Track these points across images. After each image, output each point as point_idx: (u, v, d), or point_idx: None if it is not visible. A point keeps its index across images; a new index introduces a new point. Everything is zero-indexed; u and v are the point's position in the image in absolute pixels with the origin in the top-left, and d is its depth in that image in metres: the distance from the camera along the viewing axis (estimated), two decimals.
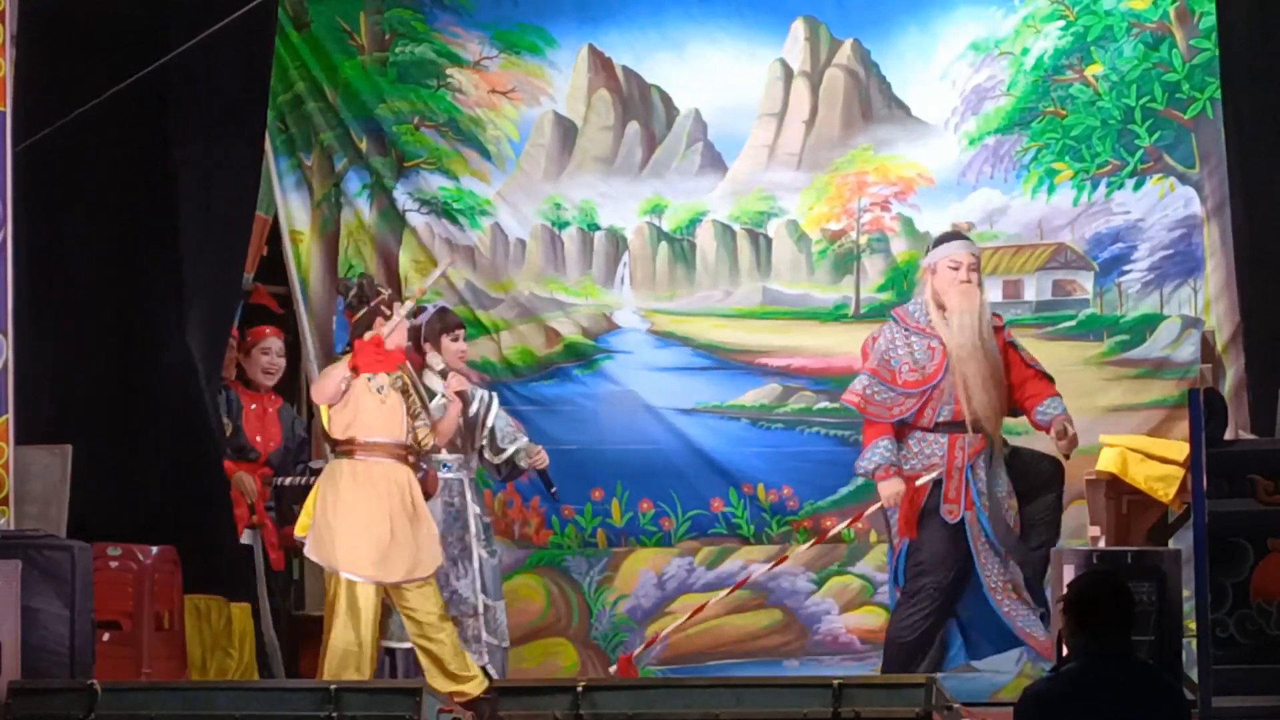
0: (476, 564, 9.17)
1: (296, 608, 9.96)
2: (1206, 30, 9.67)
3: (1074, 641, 5.78)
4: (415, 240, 10.50)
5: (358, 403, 8.64)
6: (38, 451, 8.44)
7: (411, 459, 8.75)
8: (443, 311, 9.47)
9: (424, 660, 8.68)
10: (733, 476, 10.16)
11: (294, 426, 9.93)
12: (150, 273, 9.14)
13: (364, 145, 10.49)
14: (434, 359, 9.24)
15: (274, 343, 9.86)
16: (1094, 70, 9.92)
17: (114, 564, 8.49)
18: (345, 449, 8.63)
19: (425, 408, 8.83)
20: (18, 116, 8.44)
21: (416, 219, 10.49)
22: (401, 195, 10.50)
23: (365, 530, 8.52)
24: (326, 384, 8.65)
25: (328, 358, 10.53)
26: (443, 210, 10.48)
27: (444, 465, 9.18)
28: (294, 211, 10.54)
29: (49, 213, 8.84)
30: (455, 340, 9.31)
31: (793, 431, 10.14)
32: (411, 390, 8.82)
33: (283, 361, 9.90)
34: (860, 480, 10.03)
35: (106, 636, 8.36)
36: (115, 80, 8.59)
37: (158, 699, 7.50)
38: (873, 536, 10.07)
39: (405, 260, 10.51)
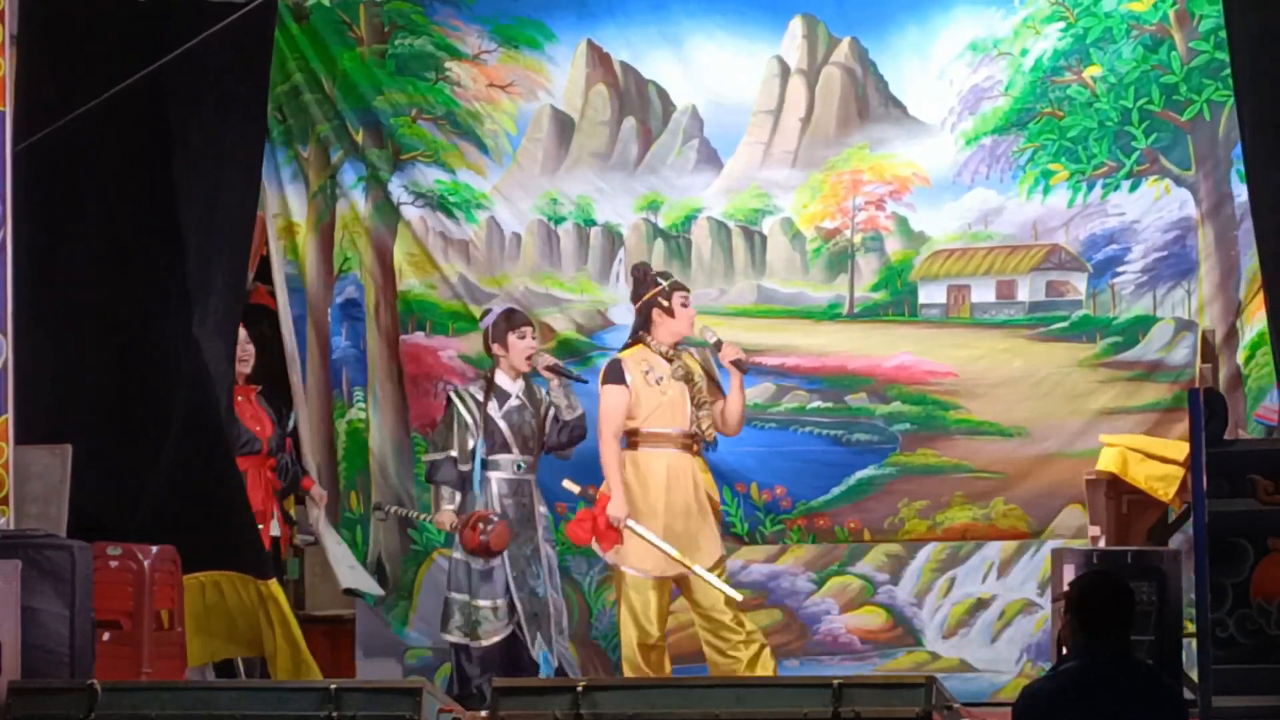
0: (546, 564, 9.41)
1: (298, 608, 9.97)
2: (1205, 33, 9.69)
3: (1074, 641, 5.81)
4: (410, 233, 10.49)
5: (637, 396, 8.86)
6: (38, 451, 8.42)
7: (696, 447, 8.94)
8: (509, 312, 9.62)
9: (707, 650, 9.03)
10: (726, 476, 10.11)
11: (281, 413, 9.98)
12: (151, 272, 9.09)
13: (360, 137, 10.48)
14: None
15: (240, 331, 9.87)
16: (1092, 72, 9.90)
17: (114, 564, 8.45)
18: (630, 441, 8.90)
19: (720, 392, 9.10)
20: (18, 116, 8.42)
21: (411, 212, 10.48)
22: (397, 188, 10.49)
23: (647, 524, 8.83)
24: (618, 417, 8.89)
25: (322, 351, 10.54)
26: (439, 204, 10.48)
27: (518, 465, 9.39)
28: (291, 203, 10.54)
29: (49, 213, 8.81)
30: (523, 338, 9.49)
31: (786, 431, 10.12)
32: (697, 379, 8.92)
33: (252, 348, 9.90)
34: (854, 479, 10.07)
35: (106, 636, 8.32)
36: (115, 80, 8.56)
37: (158, 699, 7.47)
38: (865, 534, 10.09)
39: (399, 253, 10.50)
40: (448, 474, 9.54)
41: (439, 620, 9.61)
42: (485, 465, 9.42)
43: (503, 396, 9.51)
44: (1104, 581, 5.90)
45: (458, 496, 9.53)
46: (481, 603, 9.35)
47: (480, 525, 9.31)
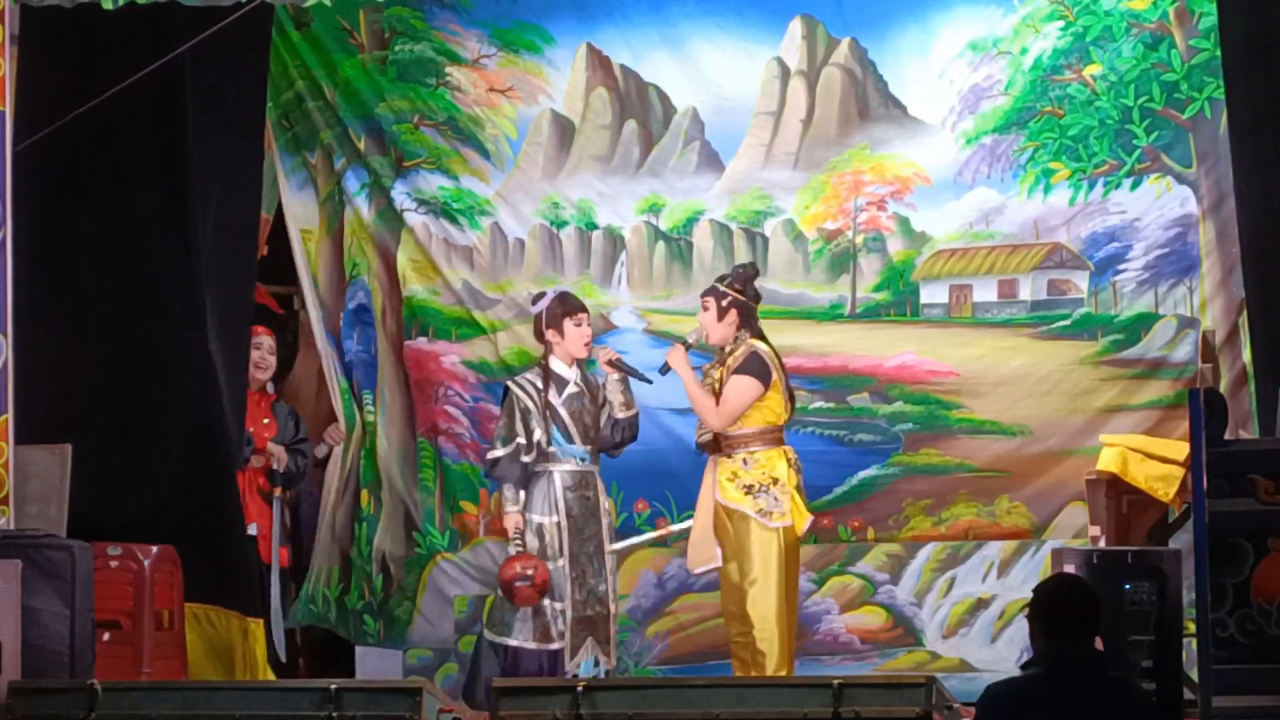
0: (609, 564, 9.09)
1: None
2: (1205, 30, 9.68)
3: (1036, 646, 5.69)
4: (413, 240, 10.49)
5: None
6: (38, 451, 8.45)
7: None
8: (563, 296, 9.34)
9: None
10: None
11: (288, 421, 9.99)
12: (150, 272, 9.13)
13: (362, 144, 10.48)
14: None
15: (264, 340, 9.91)
16: (1092, 70, 9.91)
17: (114, 564, 8.49)
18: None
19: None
20: (18, 116, 8.45)
21: (414, 218, 10.48)
22: (399, 195, 10.48)
23: None
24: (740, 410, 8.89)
25: (339, 355, 10.53)
26: (442, 210, 10.47)
27: (581, 457, 9.12)
28: (302, 210, 10.54)
29: (49, 213, 8.84)
30: (579, 325, 9.21)
31: (788, 431, 10.08)
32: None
33: (273, 359, 9.96)
34: (857, 479, 10.07)
35: (106, 636, 8.36)
36: (116, 80, 8.58)
37: (158, 699, 7.50)
38: (869, 534, 10.09)
39: (403, 259, 10.50)
40: (510, 471, 9.09)
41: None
42: (546, 457, 9.11)
43: (561, 383, 9.15)
44: (1065, 584, 5.79)
45: (522, 495, 9.08)
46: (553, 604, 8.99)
47: (519, 584, 8.92)
